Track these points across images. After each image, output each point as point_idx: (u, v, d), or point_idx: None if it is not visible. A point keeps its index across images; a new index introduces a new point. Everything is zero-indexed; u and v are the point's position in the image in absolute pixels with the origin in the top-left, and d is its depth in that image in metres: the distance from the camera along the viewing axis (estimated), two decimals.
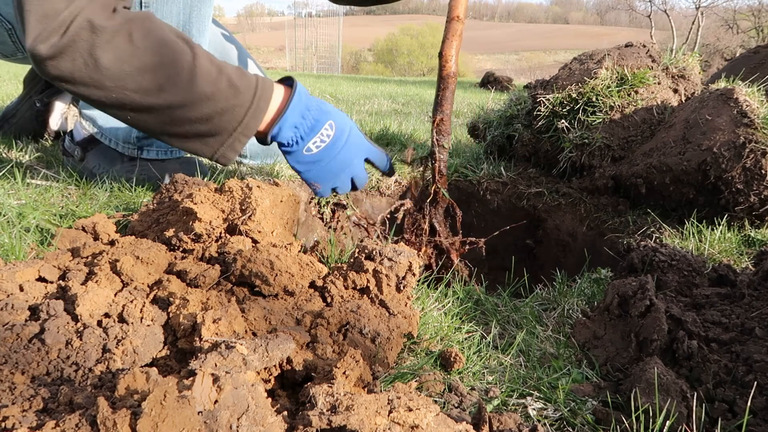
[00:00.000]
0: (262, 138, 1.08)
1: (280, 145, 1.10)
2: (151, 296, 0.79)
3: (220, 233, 0.96)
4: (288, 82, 1.09)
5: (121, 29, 0.88)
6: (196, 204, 0.95)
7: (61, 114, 1.78)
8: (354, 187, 1.20)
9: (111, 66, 0.88)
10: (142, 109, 0.94)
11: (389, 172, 1.27)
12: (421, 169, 1.41)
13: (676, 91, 1.77)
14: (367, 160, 1.20)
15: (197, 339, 0.66)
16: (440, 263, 1.38)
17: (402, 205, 1.38)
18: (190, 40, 0.97)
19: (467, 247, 1.39)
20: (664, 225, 1.44)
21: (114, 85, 0.90)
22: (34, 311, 0.71)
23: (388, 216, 1.38)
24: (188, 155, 1.50)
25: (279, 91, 1.05)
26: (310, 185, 1.14)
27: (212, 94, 0.96)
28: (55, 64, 0.87)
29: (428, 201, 1.37)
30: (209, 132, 0.99)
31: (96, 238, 0.99)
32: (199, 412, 0.49)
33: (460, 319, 1.00)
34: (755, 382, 0.72)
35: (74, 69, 0.87)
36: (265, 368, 0.64)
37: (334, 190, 1.17)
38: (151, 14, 0.95)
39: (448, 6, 1.27)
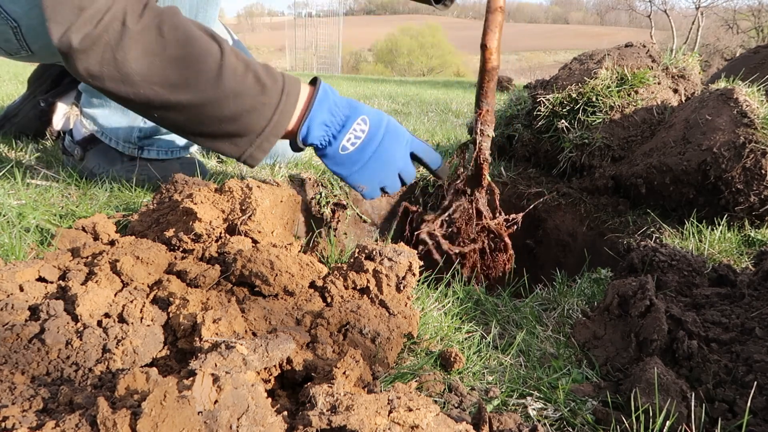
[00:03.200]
0: (293, 140, 1.04)
1: (315, 148, 1.06)
2: (151, 296, 0.79)
3: (220, 233, 0.96)
4: (312, 82, 1.05)
5: (152, 22, 0.88)
6: (196, 204, 0.95)
7: (64, 114, 1.78)
8: (403, 183, 1.15)
9: (139, 59, 0.87)
10: (170, 107, 0.92)
11: (441, 170, 1.21)
12: (456, 158, 1.43)
13: (676, 91, 1.77)
14: (413, 156, 1.15)
15: (197, 339, 0.66)
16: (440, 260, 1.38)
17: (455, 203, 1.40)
18: (217, 35, 0.95)
19: (511, 227, 1.44)
20: (664, 225, 1.44)
21: (141, 80, 0.88)
22: (34, 311, 0.71)
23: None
24: (189, 155, 1.50)
25: (305, 90, 1.02)
26: (357, 189, 1.11)
27: (240, 92, 0.93)
28: (85, 57, 0.85)
29: (473, 186, 1.40)
30: (237, 132, 0.97)
31: (96, 238, 0.99)
32: (199, 412, 0.49)
33: (460, 319, 1.00)
34: (755, 382, 0.72)
35: (103, 62, 0.86)
36: (265, 368, 0.64)
37: (383, 190, 1.13)
38: (178, 9, 0.93)
39: None
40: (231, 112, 0.94)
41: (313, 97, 1.01)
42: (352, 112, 1.05)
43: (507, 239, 1.44)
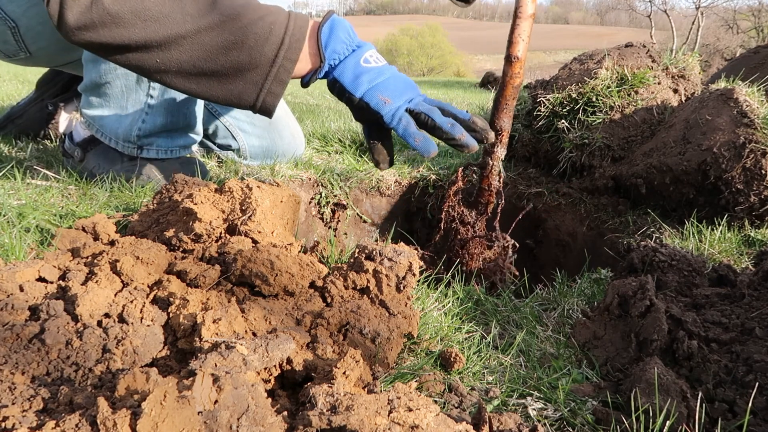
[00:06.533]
0: (310, 69, 0.95)
1: (331, 68, 0.97)
2: (151, 296, 0.79)
3: (220, 233, 0.96)
4: None
5: None
6: (196, 204, 0.95)
7: (69, 118, 1.80)
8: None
9: None
10: (170, 42, 0.88)
11: (472, 121, 1.05)
12: (460, 174, 1.36)
13: (676, 91, 1.77)
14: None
15: (197, 339, 0.66)
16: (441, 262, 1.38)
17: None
18: None
19: (511, 258, 1.37)
20: (664, 225, 1.44)
21: (133, 17, 0.86)
22: (34, 311, 0.71)
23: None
24: (189, 155, 1.49)
25: (308, 18, 0.97)
26: (380, 107, 0.97)
27: (240, 13, 0.87)
28: (73, 4, 0.85)
29: (477, 212, 1.33)
30: (249, 62, 0.90)
31: (96, 238, 0.99)
32: (199, 412, 0.49)
33: (460, 319, 1.00)
34: (755, 382, 0.72)
35: (92, 7, 0.85)
36: (265, 368, 0.64)
37: (410, 109, 1.01)
38: None
39: (517, 2, 1.09)
40: (235, 36, 0.88)
41: (328, 16, 0.96)
42: (365, 42, 1.01)
43: (511, 271, 1.35)
